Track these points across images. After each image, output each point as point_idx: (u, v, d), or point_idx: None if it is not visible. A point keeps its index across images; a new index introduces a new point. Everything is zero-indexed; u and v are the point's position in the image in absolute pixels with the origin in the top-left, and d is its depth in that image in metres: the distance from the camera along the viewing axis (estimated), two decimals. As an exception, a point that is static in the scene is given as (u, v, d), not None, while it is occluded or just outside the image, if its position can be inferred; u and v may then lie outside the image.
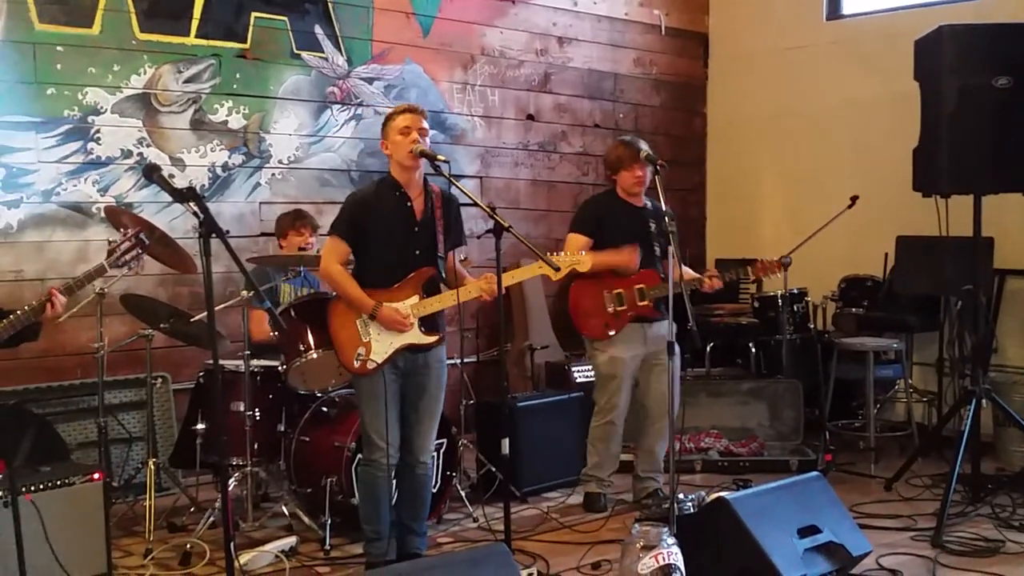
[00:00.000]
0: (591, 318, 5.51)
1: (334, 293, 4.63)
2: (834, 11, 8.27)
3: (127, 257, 4.39)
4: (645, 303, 5.42)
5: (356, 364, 4.40)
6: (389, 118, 4.47)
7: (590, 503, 5.66)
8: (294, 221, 5.82)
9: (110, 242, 4.43)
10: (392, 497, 4.65)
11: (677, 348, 5.40)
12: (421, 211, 4.49)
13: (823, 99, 8.09)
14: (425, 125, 4.45)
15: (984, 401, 5.49)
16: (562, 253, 4.60)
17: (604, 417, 5.60)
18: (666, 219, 4.60)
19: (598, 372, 5.64)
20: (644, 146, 5.47)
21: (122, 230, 4.44)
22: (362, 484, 4.59)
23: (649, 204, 5.57)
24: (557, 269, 4.43)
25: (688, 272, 5.62)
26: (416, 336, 4.47)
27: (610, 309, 5.45)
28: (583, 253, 4.66)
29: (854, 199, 6.57)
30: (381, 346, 4.42)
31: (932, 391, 7.09)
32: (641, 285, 5.43)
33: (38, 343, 5.36)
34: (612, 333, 5.46)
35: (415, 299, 4.45)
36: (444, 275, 4.56)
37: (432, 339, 4.51)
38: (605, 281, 5.44)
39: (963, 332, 6.47)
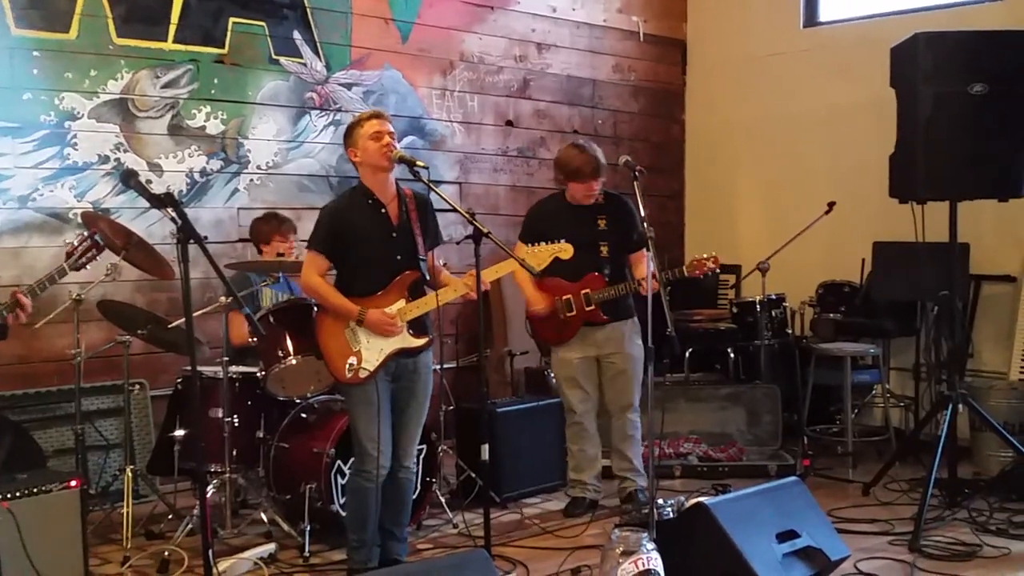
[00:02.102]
0: (546, 325, 5.61)
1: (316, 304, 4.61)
2: (811, 18, 8.32)
3: (84, 259, 4.47)
4: (592, 308, 5.46)
5: (348, 374, 4.38)
6: (355, 125, 4.45)
7: (569, 508, 5.67)
8: (280, 227, 5.78)
9: (67, 243, 4.51)
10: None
11: (632, 353, 5.46)
12: (396, 216, 4.48)
13: (800, 106, 8.13)
14: (392, 129, 4.45)
15: (960, 406, 5.51)
16: (542, 243, 4.58)
17: (570, 419, 5.69)
18: (645, 225, 4.61)
19: (555, 373, 5.76)
20: (600, 156, 5.46)
21: (78, 232, 4.49)
22: (351, 494, 4.53)
23: (603, 198, 5.55)
24: (539, 276, 4.45)
25: (640, 271, 5.50)
26: (406, 340, 4.46)
27: (561, 316, 5.53)
28: (563, 241, 4.63)
29: (831, 205, 6.62)
30: (372, 353, 4.40)
31: (909, 396, 7.13)
32: (586, 290, 5.47)
33: (15, 349, 5.40)
34: (565, 338, 5.55)
35: (401, 304, 4.44)
36: (428, 277, 4.56)
37: (422, 341, 4.51)
38: (556, 287, 5.51)
39: (939, 337, 6.51)
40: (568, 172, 5.51)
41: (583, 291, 5.47)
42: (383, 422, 4.39)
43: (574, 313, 5.50)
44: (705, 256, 5.46)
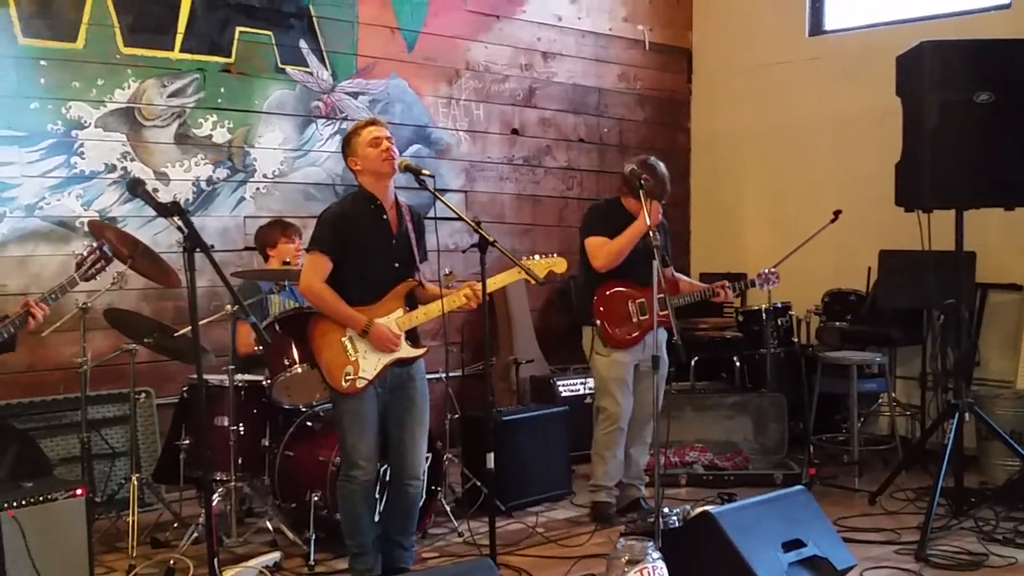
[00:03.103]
0: (617, 326, 5.51)
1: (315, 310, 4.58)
2: (816, 27, 8.33)
3: (93, 270, 4.54)
4: (666, 313, 5.41)
5: (345, 384, 4.36)
6: (353, 134, 4.45)
7: (599, 513, 5.60)
8: (285, 229, 5.76)
9: (76, 255, 4.56)
10: (376, 511, 4.64)
11: (665, 358, 5.47)
12: (396, 223, 4.48)
13: (806, 114, 8.13)
14: (390, 134, 4.45)
15: (967, 415, 5.51)
16: (537, 256, 4.59)
17: (612, 423, 5.54)
18: (650, 232, 4.62)
19: (600, 376, 5.59)
20: (668, 179, 5.53)
21: (86, 243, 4.56)
22: (341, 500, 4.53)
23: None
24: (542, 283, 4.46)
25: (693, 283, 5.69)
26: (404, 350, 4.45)
27: (635, 319, 5.48)
28: (555, 255, 4.64)
29: (837, 213, 6.61)
30: (369, 363, 4.38)
31: (915, 405, 7.12)
32: (662, 295, 5.43)
33: (21, 358, 5.41)
34: (636, 341, 5.48)
35: (400, 312, 4.44)
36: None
37: (420, 352, 4.51)
38: (628, 292, 5.49)
39: (946, 346, 6.50)
40: (652, 191, 5.38)
41: (659, 295, 5.44)
42: (371, 432, 4.40)
43: (647, 317, 5.45)
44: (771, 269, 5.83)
